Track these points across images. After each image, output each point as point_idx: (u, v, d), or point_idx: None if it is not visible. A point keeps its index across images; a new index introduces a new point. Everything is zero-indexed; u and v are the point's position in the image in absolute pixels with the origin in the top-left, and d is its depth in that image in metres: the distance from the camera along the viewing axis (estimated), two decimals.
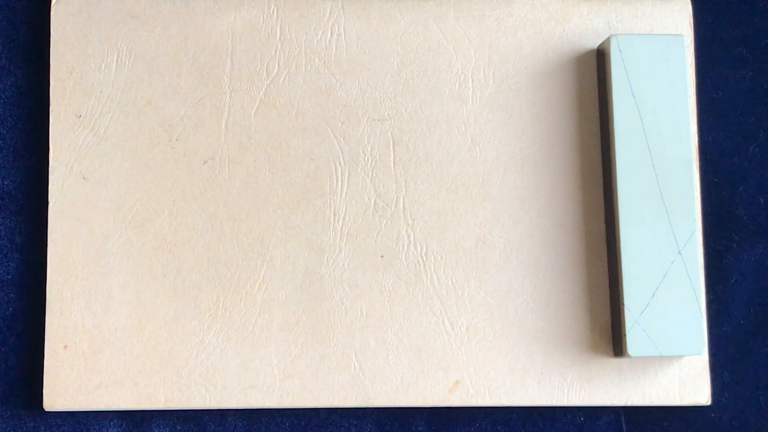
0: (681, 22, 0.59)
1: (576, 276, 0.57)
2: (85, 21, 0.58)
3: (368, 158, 0.58)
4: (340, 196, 0.58)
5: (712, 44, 0.61)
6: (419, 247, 0.57)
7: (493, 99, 0.59)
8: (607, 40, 0.57)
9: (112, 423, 0.57)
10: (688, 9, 0.59)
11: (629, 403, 0.57)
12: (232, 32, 0.59)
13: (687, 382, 0.57)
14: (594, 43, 0.59)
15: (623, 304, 0.55)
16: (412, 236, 0.57)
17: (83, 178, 0.57)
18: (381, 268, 0.57)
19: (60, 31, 0.58)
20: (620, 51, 0.56)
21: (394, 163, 0.58)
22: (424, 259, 0.57)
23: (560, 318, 0.57)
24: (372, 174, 0.58)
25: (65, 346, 0.56)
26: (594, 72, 0.59)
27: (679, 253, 0.55)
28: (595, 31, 0.59)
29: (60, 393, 0.56)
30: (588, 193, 0.58)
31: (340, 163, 0.58)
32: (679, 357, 0.56)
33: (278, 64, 0.58)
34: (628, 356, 0.55)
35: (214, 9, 0.59)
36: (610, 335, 0.57)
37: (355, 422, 0.58)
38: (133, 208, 0.57)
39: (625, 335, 0.55)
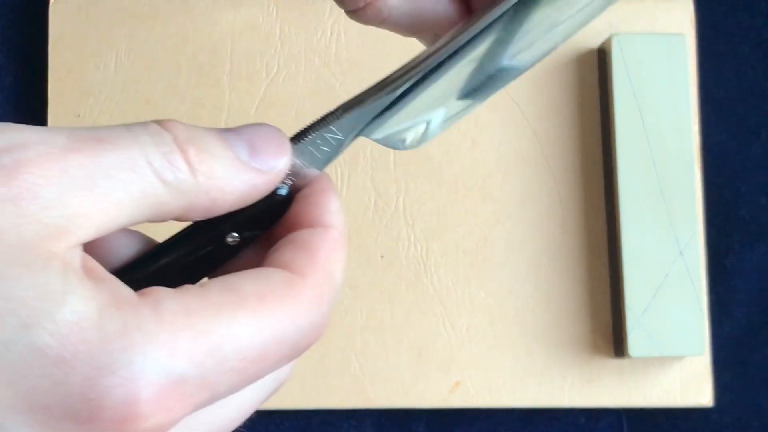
0: (682, 22, 0.59)
1: (577, 276, 0.57)
2: (83, 20, 0.58)
3: (368, 158, 0.58)
4: (340, 196, 0.57)
5: (714, 43, 0.61)
6: (419, 247, 0.57)
7: (493, 99, 0.58)
8: (609, 40, 0.57)
9: None
10: (689, 8, 0.59)
11: (630, 404, 0.56)
12: (232, 31, 0.58)
13: (688, 383, 0.56)
14: (595, 43, 0.59)
15: (624, 304, 0.55)
16: (412, 236, 0.57)
17: None
18: (381, 268, 0.57)
19: (58, 30, 0.58)
20: (621, 50, 0.56)
21: (394, 163, 0.58)
22: (425, 259, 0.57)
23: (561, 318, 0.57)
24: (372, 174, 0.58)
25: None
26: (595, 71, 0.58)
27: (681, 253, 0.55)
28: (596, 30, 0.59)
29: None
30: (589, 193, 0.58)
31: (340, 163, 0.58)
32: (681, 358, 0.56)
33: (278, 64, 0.58)
34: (630, 357, 0.54)
35: (214, 8, 0.59)
36: (612, 336, 0.57)
37: (355, 423, 0.58)
38: None
39: (626, 336, 0.55)
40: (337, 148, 0.31)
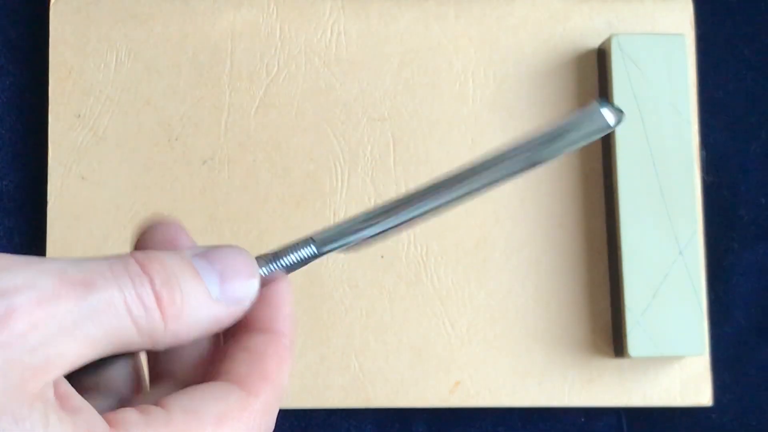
0: (682, 22, 0.59)
1: (577, 276, 0.57)
2: (84, 20, 0.58)
3: (368, 158, 0.58)
4: (340, 196, 0.57)
5: (714, 44, 0.61)
6: (419, 247, 0.57)
7: (493, 99, 0.58)
8: (608, 40, 0.57)
9: None
10: (689, 8, 0.59)
11: (630, 404, 0.56)
12: (232, 32, 0.58)
13: (688, 382, 0.56)
14: (595, 43, 0.59)
15: (624, 304, 0.55)
16: (412, 236, 0.57)
17: (82, 178, 0.57)
18: (381, 268, 0.57)
19: (59, 30, 0.58)
20: (621, 50, 0.56)
21: (394, 163, 0.58)
22: (425, 259, 0.57)
23: (561, 318, 0.57)
24: (372, 174, 0.58)
25: None
26: (595, 72, 0.58)
27: (681, 253, 0.55)
28: (596, 30, 0.59)
29: None
30: (589, 193, 0.58)
31: (340, 163, 0.58)
32: (681, 357, 0.56)
33: (278, 64, 0.58)
34: (629, 357, 0.54)
35: (214, 8, 0.59)
36: (611, 336, 0.57)
37: (354, 423, 0.58)
38: (132, 208, 0.57)
39: (626, 335, 0.55)
40: (304, 264, 0.33)
